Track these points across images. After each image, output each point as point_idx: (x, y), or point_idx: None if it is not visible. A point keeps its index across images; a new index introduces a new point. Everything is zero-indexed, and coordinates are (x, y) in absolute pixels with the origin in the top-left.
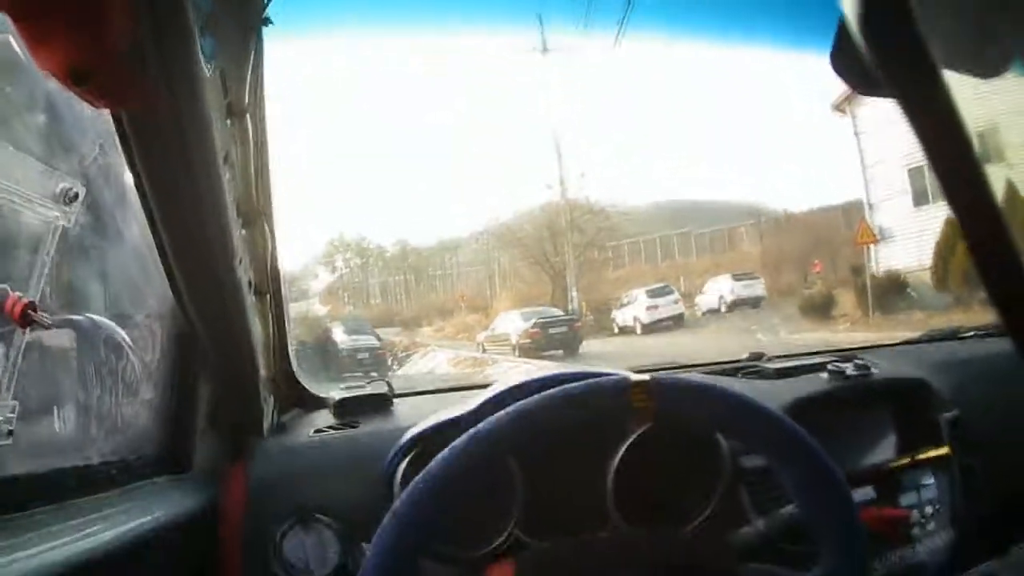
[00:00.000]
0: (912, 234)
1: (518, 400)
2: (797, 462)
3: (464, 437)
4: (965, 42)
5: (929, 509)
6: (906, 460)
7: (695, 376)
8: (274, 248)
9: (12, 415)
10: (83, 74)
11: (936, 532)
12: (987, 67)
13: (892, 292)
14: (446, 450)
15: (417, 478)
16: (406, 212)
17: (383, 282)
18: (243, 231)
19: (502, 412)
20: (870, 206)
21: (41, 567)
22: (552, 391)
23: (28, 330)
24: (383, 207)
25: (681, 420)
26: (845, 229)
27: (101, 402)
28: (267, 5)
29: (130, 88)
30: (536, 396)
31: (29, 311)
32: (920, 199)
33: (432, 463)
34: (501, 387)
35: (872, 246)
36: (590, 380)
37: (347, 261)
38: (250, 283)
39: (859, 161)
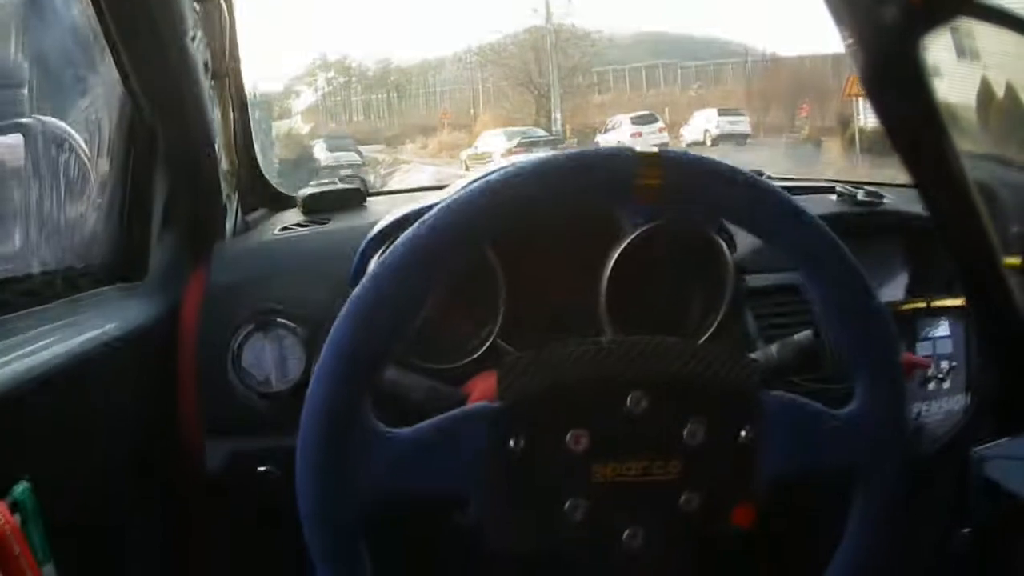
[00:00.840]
0: None
1: None
2: (830, 272)
3: (435, 209)
4: None
5: (944, 365)
6: (921, 304)
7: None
8: (232, 25)
9: None
10: None
11: (951, 393)
12: None
13: (880, 146)
14: (411, 228)
15: (379, 259)
16: (388, 29)
17: (366, 100)
18: (195, 4)
19: (483, 181)
20: None
21: None
22: (543, 157)
23: None
24: (364, 23)
25: (692, 199)
26: (834, 80)
27: (41, 205)
28: None
29: None
30: (523, 163)
31: None
32: None
33: (396, 243)
34: (484, 172)
35: (861, 100)
36: (588, 149)
37: (329, 80)
38: (206, 65)
39: None
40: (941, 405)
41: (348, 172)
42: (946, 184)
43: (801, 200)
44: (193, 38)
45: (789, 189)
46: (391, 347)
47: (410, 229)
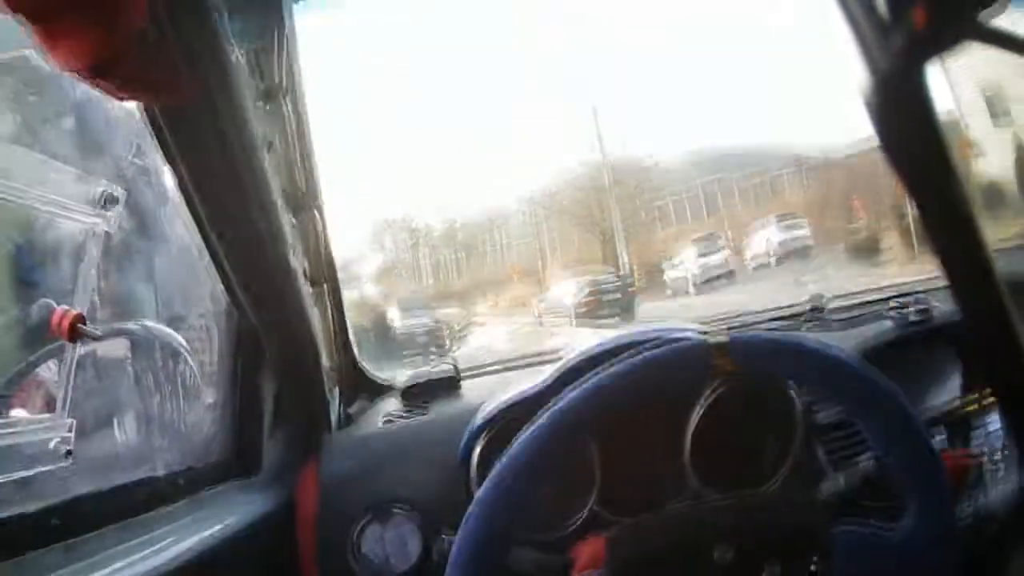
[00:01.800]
0: None
1: (590, 370)
2: (880, 414)
3: (545, 416)
4: None
5: (998, 453)
6: (974, 403)
7: (772, 332)
8: (326, 234)
9: (69, 434)
10: (103, 67)
11: (1007, 477)
12: None
13: None
14: (528, 431)
15: (500, 463)
16: (451, 188)
17: (434, 260)
18: (293, 219)
19: (580, 387)
20: None
21: None
22: (630, 361)
23: (79, 344)
24: (427, 185)
25: (762, 378)
26: (885, 174)
27: (162, 411)
28: None
29: (155, 77)
30: (613, 367)
31: (78, 324)
32: None
33: (514, 445)
34: (571, 358)
35: None
36: (668, 346)
37: (396, 242)
38: (305, 273)
39: None
40: (998, 489)
41: (424, 337)
42: (953, 223)
43: (858, 330)
44: (293, 250)
45: (847, 320)
46: (515, 531)
47: (523, 435)
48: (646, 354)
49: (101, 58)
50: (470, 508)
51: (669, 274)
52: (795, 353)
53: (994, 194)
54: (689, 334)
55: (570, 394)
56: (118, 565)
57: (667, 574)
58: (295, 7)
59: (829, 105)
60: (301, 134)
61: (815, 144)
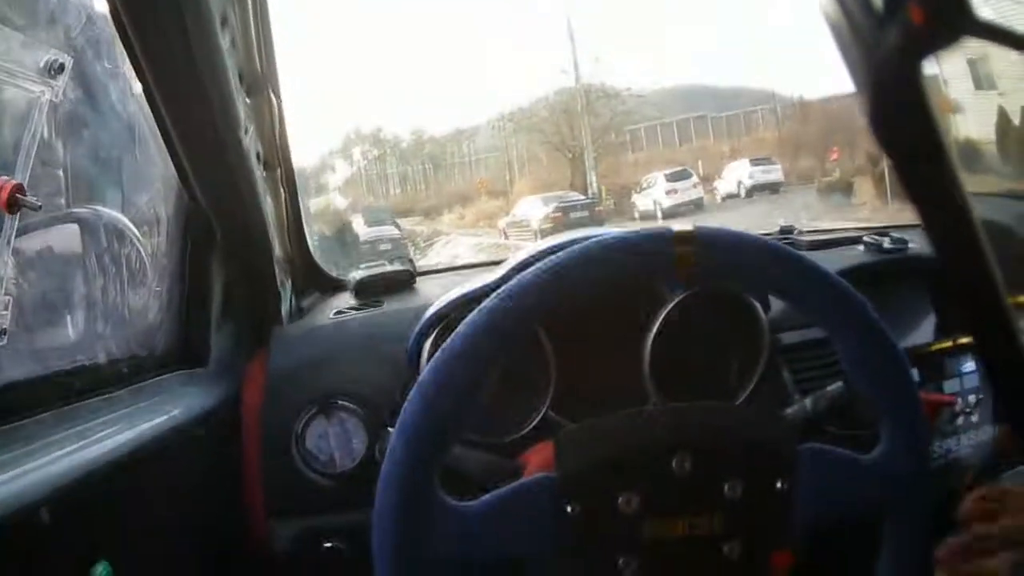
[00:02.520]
0: None
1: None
2: (854, 329)
3: (493, 297)
4: None
5: (972, 398)
6: (948, 343)
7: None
8: (281, 117)
9: (5, 312)
10: None
11: (979, 425)
12: None
13: None
14: (474, 313)
15: (444, 344)
16: (420, 100)
17: (402, 172)
18: (247, 100)
19: (532, 268)
20: None
21: (47, 477)
22: (586, 243)
23: (18, 217)
24: (397, 96)
25: (727, 274)
26: (862, 118)
27: (106, 296)
28: None
29: None
30: (568, 249)
31: (17, 195)
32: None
33: (460, 327)
34: (529, 252)
35: None
36: (627, 231)
37: (364, 153)
38: (258, 156)
39: None
40: (971, 437)
41: (387, 246)
42: (949, 218)
43: (829, 253)
44: (246, 131)
45: (819, 242)
46: (458, 427)
47: (471, 316)
48: (602, 238)
49: None
50: (411, 394)
51: (637, 199)
52: (764, 251)
53: (971, 153)
54: None
55: (520, 276)
56: (55, 453)
57: (622, 479)
58: None
59: (809, 48)
60: (260, 13)
61: (794, 85)
